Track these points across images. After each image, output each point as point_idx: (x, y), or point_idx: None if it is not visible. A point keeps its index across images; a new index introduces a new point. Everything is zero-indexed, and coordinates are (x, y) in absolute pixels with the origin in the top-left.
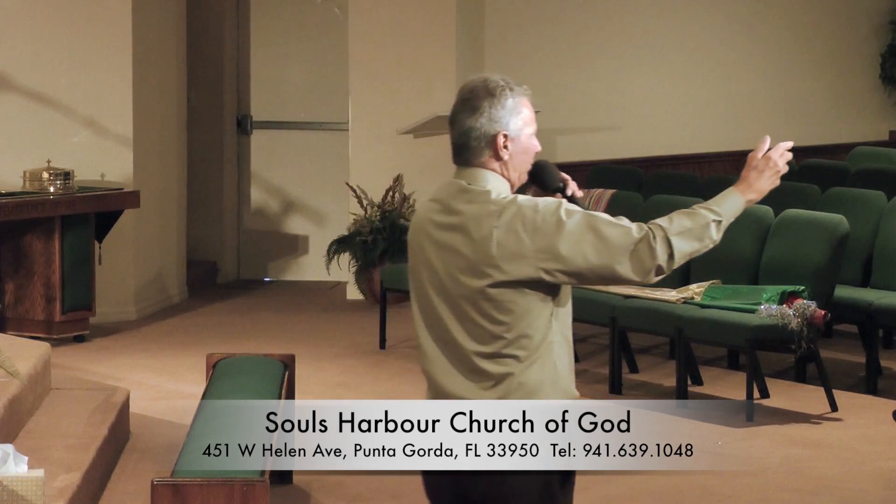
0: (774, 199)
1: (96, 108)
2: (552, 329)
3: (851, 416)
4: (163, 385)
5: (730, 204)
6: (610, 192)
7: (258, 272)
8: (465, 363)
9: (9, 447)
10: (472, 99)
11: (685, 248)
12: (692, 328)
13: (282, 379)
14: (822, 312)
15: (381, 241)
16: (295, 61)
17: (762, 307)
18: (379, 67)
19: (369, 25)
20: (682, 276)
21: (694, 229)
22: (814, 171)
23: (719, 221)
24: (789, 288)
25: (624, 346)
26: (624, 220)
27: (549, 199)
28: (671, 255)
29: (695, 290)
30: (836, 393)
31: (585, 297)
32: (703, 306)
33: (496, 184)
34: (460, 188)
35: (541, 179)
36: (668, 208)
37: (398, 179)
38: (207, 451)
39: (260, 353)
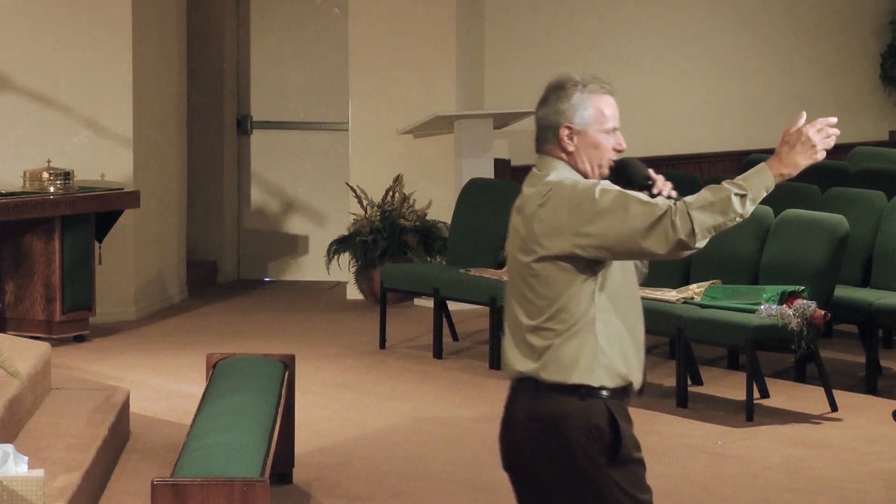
0: (774, 199)
1: (96, 108)
2: (595, 306)
3: (851, 416)
4: (163, 385)
5: (757, 178)
6: None
7: (258, 272)
8: (519, 337)
9: (9, 447)
10: (546, 91)
11: (707, 222)
12: (692, 328)
13: (282, 379)
14: (822, 312)
15: (381, 241)
16: (295, 61)
17: (762, 307)
18: (379, 67)
19: (369, 25)
20: (682, 275)
21: (715, 203)
22: (813, 171)
23: (742, 195)
24: (789, 288)
25: None
26: (658, 200)
27: (590, 181)
28: (692, 230)
29: (695, 290)
30: (836, 393)
31: None
32: (703, 306)
33: (561, 172)
34: (530, 173)
35: (625, 176)
36: None
37: (398, 179)
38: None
39: (260, 353)
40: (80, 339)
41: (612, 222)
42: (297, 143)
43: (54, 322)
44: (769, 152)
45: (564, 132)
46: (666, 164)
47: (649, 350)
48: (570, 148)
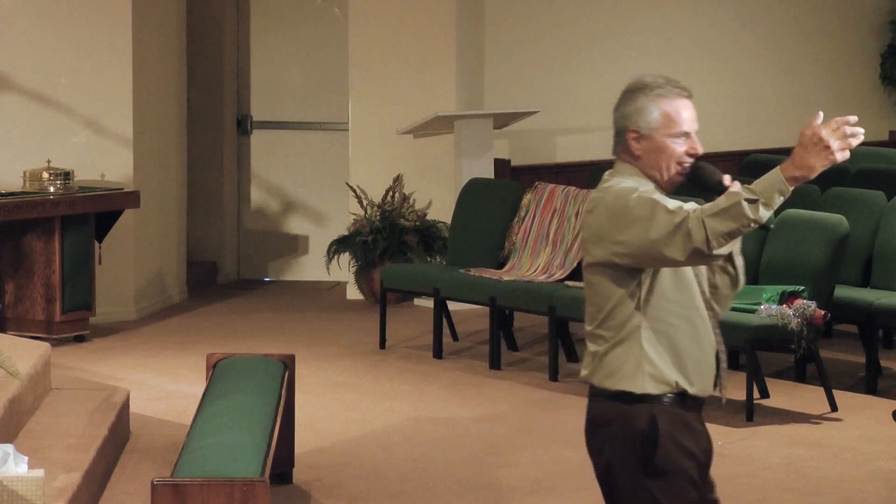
0: None
1: (96, 108)
2: (641, 314)
3: (851, 416)
4: (163, 385)
5: (768, 181)
6: None
7: (258, 272)
8: (587, 342)
9: (9, 447)
10: (620, 94)
11: (719, 228)
12: None
13: (281, 379)
14: (822, 312)
15: (380, 241)
16: (295, 61)
17: (762, 307)
18: (379, 67)
19: (369, 25)
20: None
21: (728, 209)
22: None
23: (753, 200)
24: (789, 288)
25: None
26: (685, 207)
27: (631, 186)
28: (706, 237)
29: None
30: (836, 393)
31: (582, 298)
32: None
33: (625, 176)
34: (602, 177)
35: (698, 181)
36: None
37: (398, 179)
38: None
39: (260, 353)
40: (80, 339)
41: (640, 230)
42: (297, 143)
43: (54, 322)
44: (769, 153)
45: (631, 136)
46: None
47: None
48: (637, 152)
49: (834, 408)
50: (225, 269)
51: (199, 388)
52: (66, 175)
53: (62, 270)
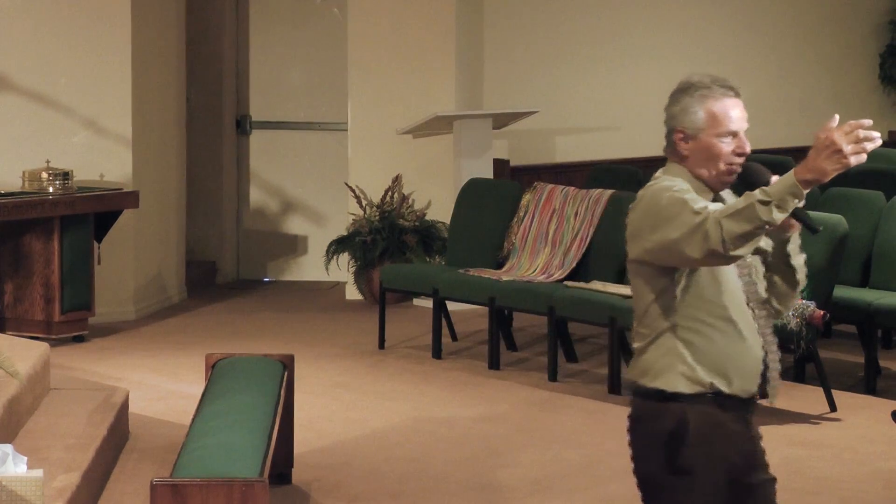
0: None
1: (96, 109)
2: (677, 313)
3: (851, 416)
4: (162, 385)
5: (782, 184)
6: (609, 192)
7: (257, 272)
8: None
9: (8, 447)
10: (669, 95)
11: (734, 229)
12: None
13: (281, 379)
14: (821, 312)
15: (380, 241)
16: (294, 61)
17: None
18: (378, 67)
19: (368, 25)
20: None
21: (742, 210)
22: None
23: (766, 201)
24: None
25: (623, 345)
26: (711, 206)
27: (667, 185)
28: (722, 238)
29: None
30: (836, 393)
31: (584, 297)
32: None
33: (673, 175)
34: (653, 175)
35: (747, 181)
36: None
37: (397, 179)
38: (206, 451)
39: (259, 353)
40: (79, 339)
41: (668, 229)
42: (296, 143)
43: (53, 322)
44: (769, 153)
45: (678, 137)
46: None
47: None
48: (685, 153)
49: (833, 408)
50: (224, 269)
51: (198, 388)
52: (66, 175)
53: (61, 270)
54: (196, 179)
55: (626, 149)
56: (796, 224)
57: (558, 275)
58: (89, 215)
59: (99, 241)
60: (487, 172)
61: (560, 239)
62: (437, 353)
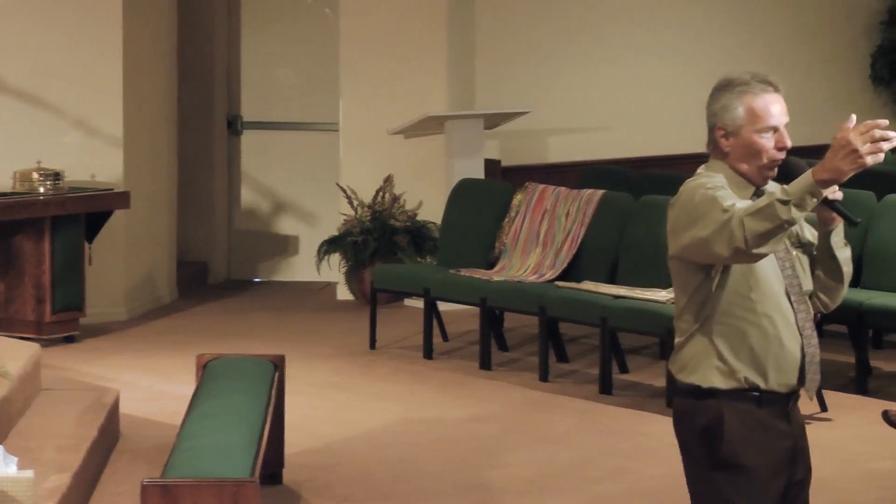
0: None
1: (87, 109)
2: (713, 308)
3: (842, 416)
4: (153, 386)
5: (801, 183)
6: (600, 192)
7: (248, 272)
8: None
9: None
10: (710, 92)
11: (756, 228)
12: None
13: (272, 379)
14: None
15: (371, 241)
16: (285, 62)
17: None
18: (370, 68)
19: (360, 26)
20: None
21: (763, 209)
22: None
23: (785, 201)
24: None
25: (614, 346)
26: (739, 204)
27: (702, 182)
28: (745, 236)
29: None
30: (827, 393)
31: (575, 297)
32: None
33: (714, 171)
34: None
35: (787, 176)
36: (657, 209)
37: (389, 180)
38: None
39: (250, 353)
40: (70, 339)
41: (699, 226)
42: (287, 143)
43: (44, 322)
44: None
45: (719, 134)
46: (656, 165)
47: (640, 350)
48: (727, 149)
49: (824, 408)
50: (215, 269)
51: (189, 388)
52: (57, 175)
53: (52, 271)
54: (187, 180)
55: (618, 149)
56: (838, 217)
57: (549, 275)
58: (80, 216)
59: (90, 242)
60: (479, 172)
61: (551, 239)
62: (429, 353)
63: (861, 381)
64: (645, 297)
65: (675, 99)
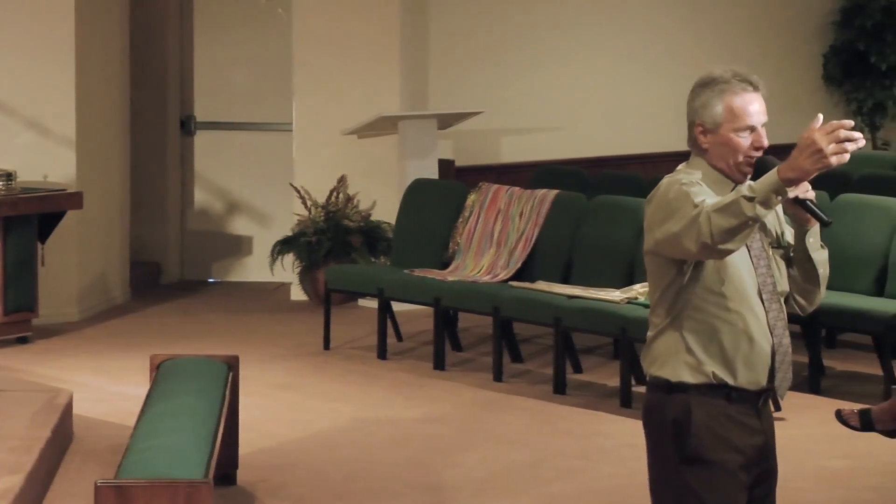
0: None
1: (39, 109)
2: (684, 303)
3: (795, 415)
4: (106, 387)
5: (766, 181)
6: (554, 192)
7: (202, 273)
8: None
9: None
10: (690, 89)
11: (721, 224)
12: (636, 328)
13: (226, 380)
14: None
15: (325, 241)
16: (239, 62)
17: None
18: (323, 68)
19: (313, 26)
20: (626, 276)
21: (729, 205)
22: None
23: (750, 197)
24: None
25: (568, 346)
26: (709, 200)
27: (678, 178)
28: (711, 232)
29: (638, 290)
30: None
31: (529, 297)
32: (646, 306)
33: (694, 168)
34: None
35: (761, 175)
36: (611, 209)
37: (342, 180)
38: (151, 453)
39: (203, 354)
40: (22, 340)
41: (672, 221)
42: (241, 143)
43: None
44: None
45: (698, 130)
46: (610, 165)
47: (594, 350)
48: (705, 146)
49: (777, 407)
50: (169, 269)
51: (142, 389)
52: (9, 176)
53: (5, 272)
54: (140, 180)
55: (571, 149)
56: (813, 218)
57: (503, 275)
58: (33, 216)
59: (42, 242)
60: (432, 173)
61: (505, 239)
62: (383, 353)
63: (814, 381)
64: (599, 296)
65: (629, 99)
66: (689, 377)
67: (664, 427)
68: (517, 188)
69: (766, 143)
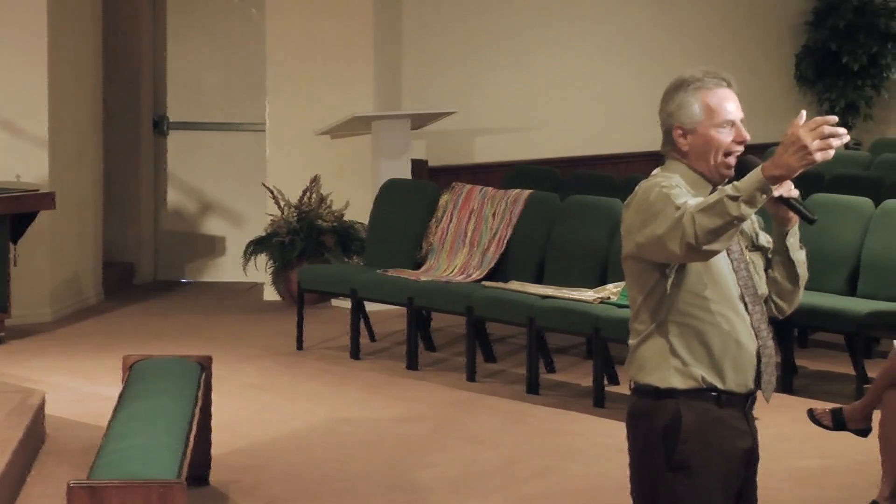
0: None
1: (11, 109)
2: (668, 308)
3: (767, 415)
4: (79, 387)
5: (751, 180)
6: (527, 192)
7: (175, 273)
8: None
9: None
10: (662, 94)
11: (706, 224)
12: (609, 328)
13: (198, 380)
14: None
15: (298, 241)
16: (212, 62)
17: None
18: (296, 68)
19: (286, 26)
20: (599, 276)
21: (714, 205)
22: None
23: (734, 196)
24: None
25: (541, 346)
26: (691, 201)
27: (657, 181)
28: (695, 232)
29: (611, 289)
30: None
31: (502, 297)
32: (619, 306)
33: (671, 171)
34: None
35: (744, 175)
36: (584, 209)
37: (315, 180)
38: (124, 453)
39: (176, 354)
40: None
41: (654, 224)
42: (214, 143)
43: None
44: None
45: (677, 133)
46: (583, 165)
47: (567, 350)
48: (685, 148)
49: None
50: (141, 270)
51: (115, 389)
52: None
53: None
54: (113, 180)
55: (544, 149)
56: (795, 217)
57: (477, 275)
58: (5, 216)
59: (15, 243)
60: (405, 173)
61: (478, 239)
62: (356, 353)
63: (787, 380)
64: (572, 296)
65: (602, 99)
66: (678, 382)
67: (652, 434)
68: (490, 188)
69: (747, 136)
